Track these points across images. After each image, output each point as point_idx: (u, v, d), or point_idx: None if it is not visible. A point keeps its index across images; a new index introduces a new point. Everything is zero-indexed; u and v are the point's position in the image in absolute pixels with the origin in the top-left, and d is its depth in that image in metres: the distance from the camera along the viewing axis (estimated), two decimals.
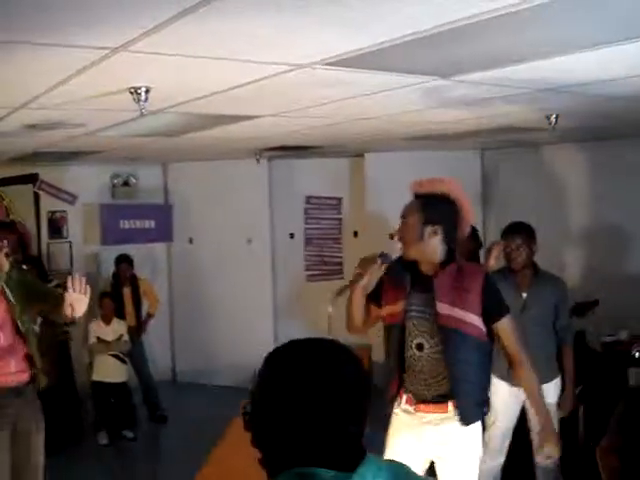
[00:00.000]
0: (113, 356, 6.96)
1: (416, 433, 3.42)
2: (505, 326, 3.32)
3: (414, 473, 1.67)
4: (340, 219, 8.70)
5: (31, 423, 3.91)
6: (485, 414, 3.44)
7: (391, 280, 3.46)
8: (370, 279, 3.46)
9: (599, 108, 4.60)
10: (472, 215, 3.48)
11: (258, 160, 7.85)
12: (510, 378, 4.53)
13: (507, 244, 4.58)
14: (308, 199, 8.67)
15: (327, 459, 1.50)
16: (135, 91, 3.31)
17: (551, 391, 4.49)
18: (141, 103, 3.37)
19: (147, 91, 3.33)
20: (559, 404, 4.61)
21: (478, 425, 3.39)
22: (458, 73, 3.40)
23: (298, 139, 6.19)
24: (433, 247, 3.32)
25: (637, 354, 5.47)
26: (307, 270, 8.76)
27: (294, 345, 1.65)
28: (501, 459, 4.66)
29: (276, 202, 8.61)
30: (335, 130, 5.48)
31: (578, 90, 3.90)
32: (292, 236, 8.74)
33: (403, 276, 3.40)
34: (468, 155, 7.80)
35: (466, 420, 3.32)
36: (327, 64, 3.05)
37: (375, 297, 3.55)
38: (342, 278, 8.63)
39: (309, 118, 4.77)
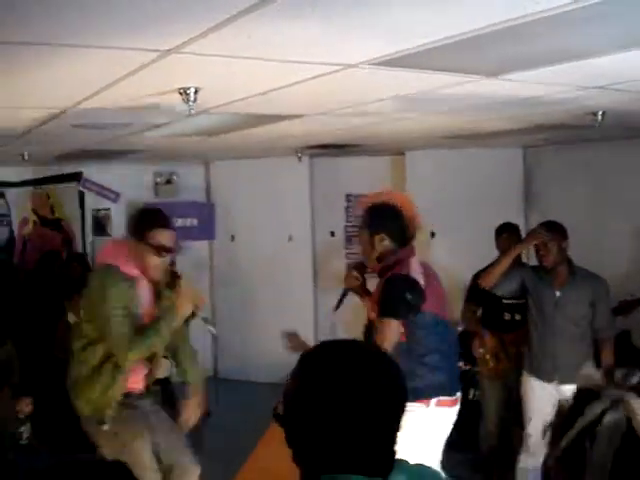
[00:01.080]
0: None
1: None
2: (380, 325, 3.57)
3: (442, 477, 1.68)
4: None
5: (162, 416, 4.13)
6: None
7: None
8: (352, 285, 4.10)
9: None
10: (415, 213, 3.79)
11: (300, 158, 7.89)
12: (542, 373, 4.55)
13: (538, 241, 4.59)
14: (349, 197, 8.67)
15: (359, 464, 1.50)
16: (184, 92, 3.35)
17: None
18: (190, 103, 3.41)
19: (196, 92, 3.37)
20: None
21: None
22: (504, 72, 3.38)
23: (341, 137, 6.21)
24: (384, 250, 3.73)
25: None
26: (348, 268, 8.74)
27: (329, 347, 1.64)
28: (541, 458, 4.64)
29: (317, 200, 8.63)
30: (378, 129, 5.49)
31: (625, 87, 3.86)
32: (333, 234, 8.75)
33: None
34: (510, 153, 7.73)
35: None
36: (374, 64, 3.06)
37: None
38: None
39: (352, 117, 4.78)
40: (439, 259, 7.76)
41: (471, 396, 5.79)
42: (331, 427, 1.50)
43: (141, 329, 3.53)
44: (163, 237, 3.60)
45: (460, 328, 5.96)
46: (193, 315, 3.95)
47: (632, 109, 4.67)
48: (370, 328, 3.73)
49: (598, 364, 4.61)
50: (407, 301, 3.56)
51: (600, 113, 4.73)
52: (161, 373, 6.90)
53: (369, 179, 8.54)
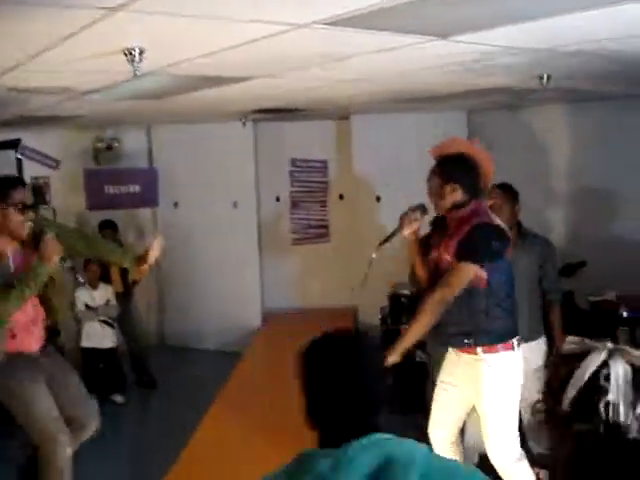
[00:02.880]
0: (102, 322, 6.94)
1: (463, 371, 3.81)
2: (454, 268, 3.61)
3: (421, 447, 1.75)
4: (326, 182, 8.66)
5: (63, 370, 4.21)
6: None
7: (436, 231, 4.00)
8: (412, 229, 3.88)
9: (591, 68, 4.59)
10: (491, 165, 3.84)
11: (244, 123, 7.79)
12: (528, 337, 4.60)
13: (489, 204, 4.61)
14: (294, 162, 8.63)
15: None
16: (129, 52, 3.25)
17: (535, 352, 4.52)
18: (135, 64, 3.31)
19: (141, 52, 3.27)
20: (547, 365, 4.63)
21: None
22: (456, 33, 3.37)
23: (286, 101, 6.14)
24: (454, 202, 3.71)
25: (625, 313, 5.54)
26: (293, 233, 8.75)
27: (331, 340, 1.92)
28: None
29: (262, 165, 8.56)
30: (325, 92, 5.44)
31: (571, 50, 3.89)
32: (278, 199, 8.71)
33: (441, 228, 3.88)
34: (454, 117, 7.76)
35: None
36: (326, 24, 3.01)
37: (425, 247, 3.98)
38: (328, 241, 8.66)
39: (301, 80, 4.72)
40: (385, 223, 7.82)
41: (417, 358, 5.85)
42: (321, 407, 1.84)
43: (9, 285, 3.72)
44: (21, 196, 3.81)
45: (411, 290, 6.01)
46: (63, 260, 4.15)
47: (576, 72, 4.72)
48: (435, 271, 3.76)
49: (546, 325, 4.70)
50: (492, 248, 3.62)
51: (546, 76, 4.76)
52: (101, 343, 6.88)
53: (314, 144, 8.53)
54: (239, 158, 8.40)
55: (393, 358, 3.64)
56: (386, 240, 3.87)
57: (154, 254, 4.21)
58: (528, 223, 4.84)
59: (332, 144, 8.54)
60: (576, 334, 4.61)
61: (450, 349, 3.89)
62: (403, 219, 3.86)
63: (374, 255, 3.79)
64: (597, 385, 1.71)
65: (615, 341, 5.31)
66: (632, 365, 1.73)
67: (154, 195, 8.72)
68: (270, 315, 8.52)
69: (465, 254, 3.57)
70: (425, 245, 3.99)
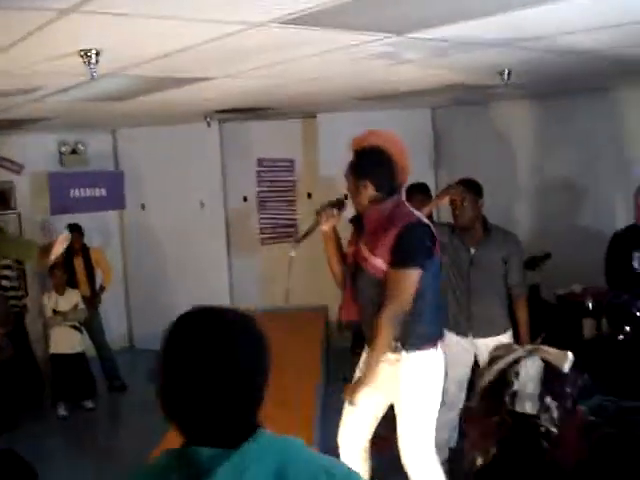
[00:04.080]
0: (70, 327, 6.87)
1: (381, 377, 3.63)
2: (393, 275, 3.45)
3: (308, 450, 1.57)
4: (293, 181, 8.66)
5: None
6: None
7: (355, 228, 3.78)
8: (330, 225, 3.74)
9: (551, 63, 4.62)
10: (406, 158, 3.64)
11: (209, 123, 7.75)
12: (458, 328, 4.66)
13: (452, 199, 4.64)
14: (260, 162, 8.61)
15: (215, 435, 1.46)
16: (85, 54, 3.22)
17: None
18: (92, 66, 3.28)
19: (98, 54, 3.24)
20: None
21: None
22: (413, 30, 3.37)
23: (250, 101, 6.12)
24: (368, 198, 3.58)
25: (591, 305, 5.60)
26: (261, 233, 8.72)
27: (189, 316, 1.60)
28: (457, 410, 4.75)
29: (228, 165, 8.53)
30: (288, 90, 5.43)
31: (530, 45, 3.91)
32: (245, 199, 8.68)
33: (359, 225, 3.72)
34: (419, 113, 7.80)
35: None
36: (283, 22, 3.00)
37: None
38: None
39: (262, 79, 4.71)
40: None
41: None
42: (182, 395, 1.48)
43: None
44: None
45: None
46: None
47: (536, 67, 4.76)
48: (356, 272, 3.65)
49: (512, 320, 4.72)
50: (427, 248, 3.50)
51: (506, 72, 4.79)
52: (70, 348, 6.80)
53: (281, 143, 8.51)
54: (205, 159, 8.36)
55: (353, 399, 3.55)
56: (304, 236, 3.71)
57: (57, 249, 4.14)
58: (494, 218, 4.87)
59: (299, 143, 8.53)
60: (542, 327, 4.68)
61: (368, 349, 3.71)
62: (320, 214, 3.70)
63: (293, 253, 3.64)
64: (506, 380, 1.87)
65: (580, 333, 5.38)
66: (545, 362, 1.90)
67: (120, 198, 8.66)
68: None
69: (404, 260, 3.43)
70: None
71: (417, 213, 3.63)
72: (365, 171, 3.57)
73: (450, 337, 4.63)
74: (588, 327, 5.46)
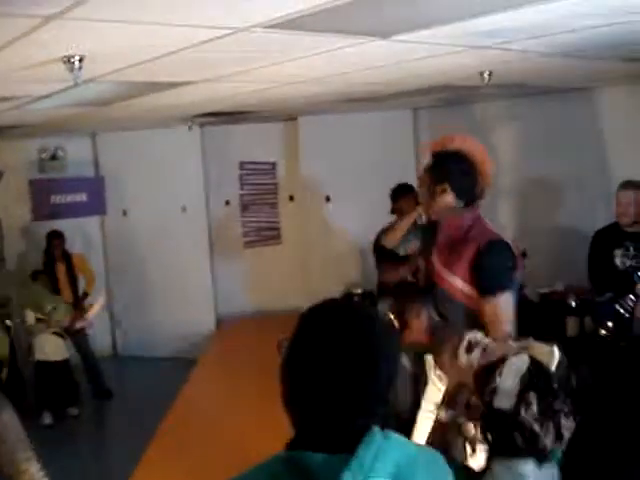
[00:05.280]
0: (53, 334, 6.82)
1: None
2: (489, 305, 3.05)
3: (429, 453, 1.53)
4: (275, 184, 8.66)
5: None
6: None
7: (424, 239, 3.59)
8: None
9: (531, 64, 4.66)
10: (489, 167, 3.37)
11: (190, 127, 7.74)
12: None
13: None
14: (242, 165, 8.60)
15: (325, 439, 1.39)
16: (69, 60, 3.20)
17: None
18: (75, 72, 3.26)
19: (81, 60, 3.22)
20: None
21: None
22: (397, 33, 3.39)
23: (231, 104, 6.12)
24: (445, 205, 3.26)
25: (573, 303, 5.63)
26: (245, 236, 8.71)
27: (323, 308, 1.53)
28: None
29: (210, 169, 8.51)
30: (270, 94, 5.43)
31: (510, 46, 3.94)
32: (228, 203, 8.67)
33: (429, 235, 3.43)
34: (400, 115, 7.83)
35: None
36: (266, 27, 3.00)
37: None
38: (280, 243, 8.65)
39: (244, 83, 4.71)
40: (334, 222, 7.85)
41: None
42: (302, 391, 1.43)
43: None
44: None
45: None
46: None
47: (517, 67, 4.79)
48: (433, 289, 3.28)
49: None
50: (509, 269, 3.13)
51: (487, 72, 4.82)
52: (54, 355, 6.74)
53: (262, 146, 8.52)
54: (187, 163, 8.34)
55: None
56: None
57: (93, 311, 4.00)
58: None
59: (280, 146, 8.53)
60: (526, 326, 4.68)
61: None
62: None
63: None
64: (490, 378, 1.92)
65: (564, 331, 5.42)
66: (532, 357, 1.94)
67: (101, 203, 8.62)
68: (224, 320, 8.48)
69: (496, 284, 3.05)
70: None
71: (496, 230, 3.31)
72: (446, 174, 3.25)
73: None
74: (571, 325, 5.50)
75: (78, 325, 4.68)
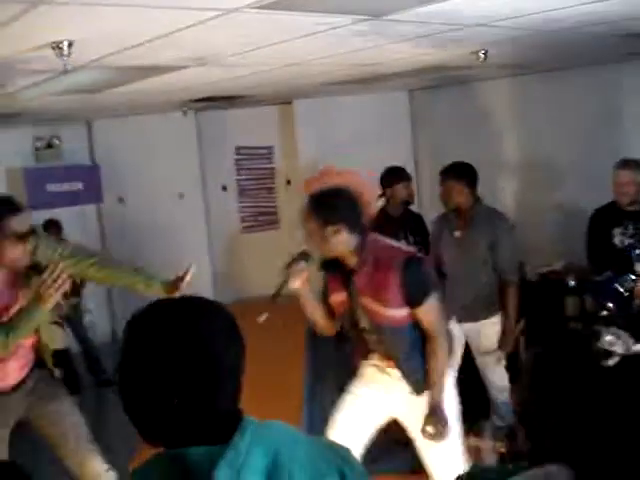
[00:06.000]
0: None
1: (386, 387, 3.39)
2: (423, 312, 3.22)
3: (298, 434, 1.52)
4: (272, 168, 8.62)
5: (45, 402, 3.61)
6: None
7: (330, 274, 3.40)
8: (300, 281, 3.34)
9: (528, 41, 4.61)
10: (372, 195, 3.42)
11: (185, 113, 7.69)
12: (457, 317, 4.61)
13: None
14: (238, 150, 8.56)
15: (197, 432, 1.38)
16: (57, 46, 3.16)
17: (489, 331, 4.59)
18: (64, 58, 3.22)
19: (70, 45, 3.18)
20: (500, 345, 4.64)
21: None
22: (390, 12, 3.34)
23: (226, 88, 6.07)
24: (341, 243, 3.20)
25: (572, 283, 5.61)
26: (242, 222, 8.69)
27: (153, 308, 1.49)
28: None
29: (206, 155, 8.48)
30: (264, 77, 5.38)
31: (505, 24, 3.90)
32: (225, 188, 8.63)
33: (335, 269, 3.34)
34: (396, 97, 7.78)
35: (418, 392, 3.31)
36: (257, 7, 2.96)
37: (324, 294, 3.47)
38: (279, 228, 8.62)
39: (237, 66, 4.66)
40: None
41: None
42: (153, 393, 1.40)
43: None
44: (18, 223, 3.17)
45: None
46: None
47: (512, 46, 4.74)
48: (352, 314, 3.35)
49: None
50: (427, 274, 3.27)
51: (482, 51, 4.78)
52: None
53: (258, 130, 8.47)
54: (182, 149, 8.31)
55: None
56: (275, 297, 3.31)
57: (186, 283, 3.81)
58: None
59: (276, 130, 8.50)
60: (524, 306, 4.61)
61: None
62: (288, 271, 3.31)
63: (263, 318, 3.25)
64: None
65: (562, 311, 5.37)
66: None
67: (97, 191, 8.58)
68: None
69: (421, 294, 3.19)
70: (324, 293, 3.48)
71: (396, 244, 3.42)
72: (336, 214, 3.17)
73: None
74: (571, 305, 5.48)
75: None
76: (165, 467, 1.37)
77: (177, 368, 1.38)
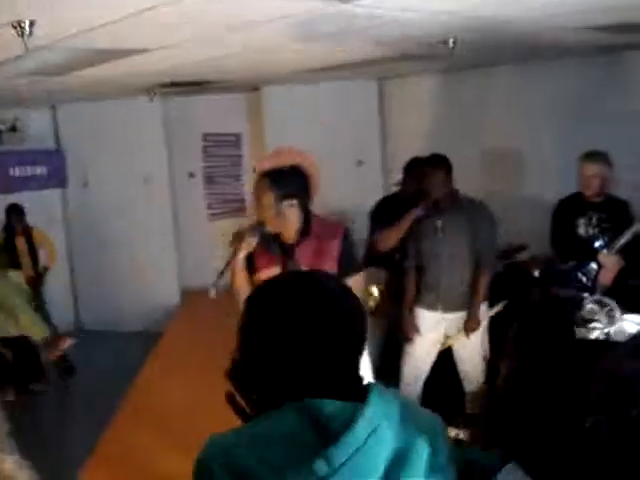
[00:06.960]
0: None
1: None
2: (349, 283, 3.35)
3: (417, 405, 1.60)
4: (240, 155, 8.57)
5: None
6: None
7: (262, 248, 3.51)
8: (246, 253, 3.49)
9: (496, 32, 4.62)
10: (318, 179, 3.56)
11: (151, 98, 7.60)
12: (425, 304, 4.67)
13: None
14: (206, 137, 8.49)
15: (329, 392, 1.41)
16: (19, 25, 3.09)
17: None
18: (25, 38, 3.16)
19: (32, 24, 3.12)
20: (465, 327, 4.71)
21: None
22: None
23: (192, 73, 6.00)
24: (292, 219, 3.44)
25: (537, 273, 5.65)
26: (209, 209, 8.63)
27: (283, 279, 1.61)
28: (420, 383, 4.83)
29: (173, 141, 8.39)
30: (231, 62, 5.33)
31: (473, 13, 3.90)
32: (192, 175, 8.57)
33: (272, 244, 3.50)
34: (365, 85, 7.76)
35: None
36: None
37: (249, 266, 3.55)
38: (245, 215, 8.57)
39: (203, 49, 4.61)
40: None
41: None
42: (296, 358, 1.43)
43: None
44: None
45: None
46: None
47: (480, 36, 4.75)
48: None
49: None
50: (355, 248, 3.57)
51: (451, 41, 4.77)
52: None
53: (226, 117, 8.41)
54: (149, 134, 8.21)
55: None
56: (222, 273, 3.49)
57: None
58: None
59: (244, 117, 8.44)
60: (491, 296, 4.65)
61: None
62: (239, 243, 3.46)
63: (212, 294, 3.42)
64: None
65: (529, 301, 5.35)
66: None
67: (62, 176, 8.48)
68: (190, 293, 8.40)
69: (353, 266, 3.47)
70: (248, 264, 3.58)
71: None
72: (292, 190, 3.40)
73: (417, 311, 4.68)
74: (535, 295, 5.51)
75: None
76: (293, 417, 1.39)
77: (321, 326, 1.44)
